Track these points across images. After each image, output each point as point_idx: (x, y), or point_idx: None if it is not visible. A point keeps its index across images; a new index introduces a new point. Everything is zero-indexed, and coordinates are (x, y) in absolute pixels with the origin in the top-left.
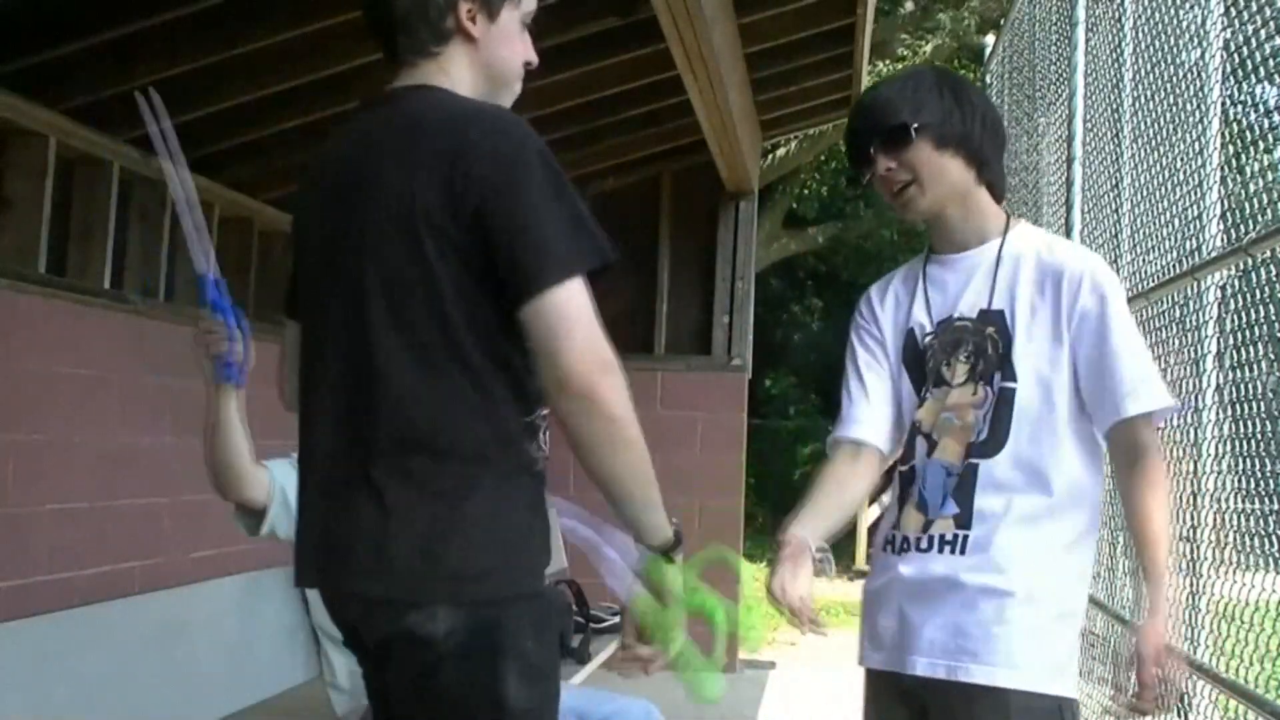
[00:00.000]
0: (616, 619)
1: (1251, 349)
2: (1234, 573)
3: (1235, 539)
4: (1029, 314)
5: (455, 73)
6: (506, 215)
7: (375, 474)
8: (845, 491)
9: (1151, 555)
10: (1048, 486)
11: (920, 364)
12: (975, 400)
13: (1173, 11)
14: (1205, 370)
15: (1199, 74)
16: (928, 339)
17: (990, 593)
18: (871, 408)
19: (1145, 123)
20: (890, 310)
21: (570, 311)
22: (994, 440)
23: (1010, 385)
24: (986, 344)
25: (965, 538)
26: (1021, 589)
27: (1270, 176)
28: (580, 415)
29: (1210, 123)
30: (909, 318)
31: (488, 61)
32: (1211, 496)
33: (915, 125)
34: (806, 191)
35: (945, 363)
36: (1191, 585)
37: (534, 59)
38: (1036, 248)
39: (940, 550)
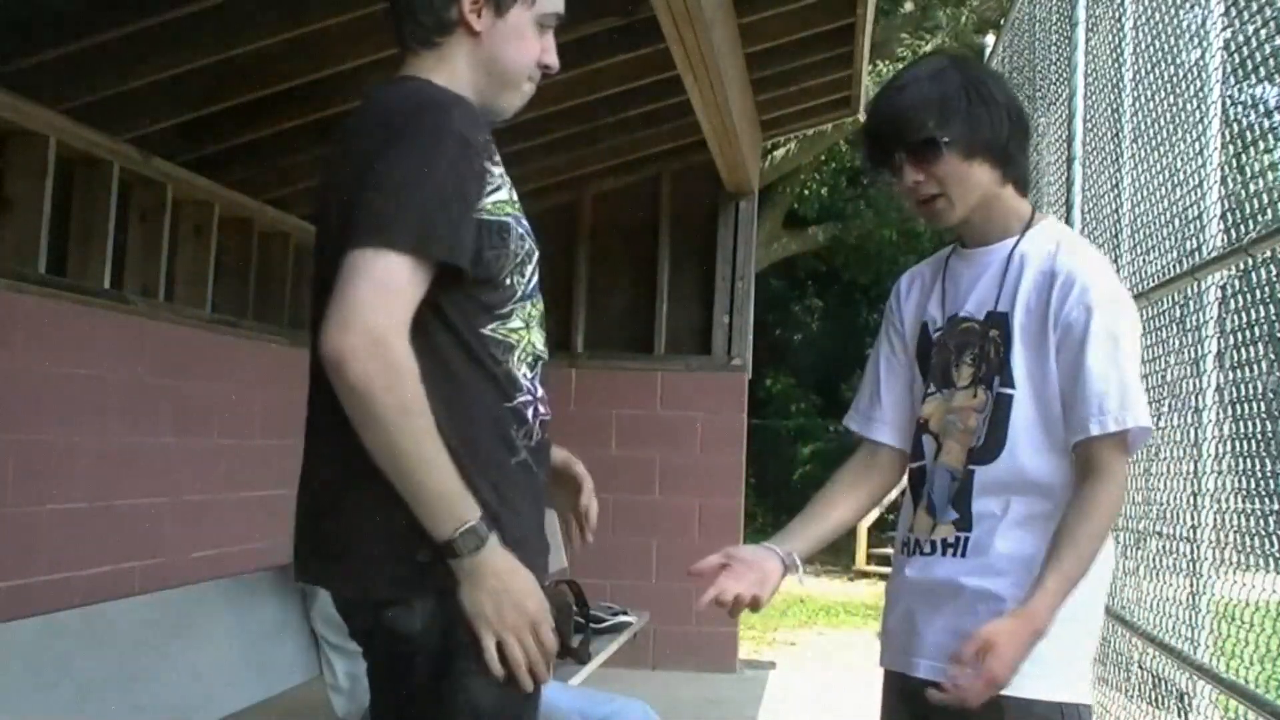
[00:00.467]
0: (617, 619)
1: (1251, 349)
2: (1234, 573)
3: (1235, 539)
4: (1026, 318)
5: (455, 66)
6: (371, 170)
7: (350, 471)
8: (848, 501)
9: (1041, 578)
10: (1045, 491)
11: (928, 357)
12: (976, 404)
13: (1173, 11)
14: (1205, 370)
15: (1199, 74)
16: (937, 334)
17: (988, 597)
18: (889, 408)
19: (1145, 123)
20: (913, 300)
21: (360, 276)
22: (991, 446)
23: (1008, 391)
24: (989, 347)
25: (966, 540)
26: (1020, 593)
27: (1270, 176)
28: (334, 382)
29: (1210, 123)
30: (925, 310)
31: (491, 57)
32: (1211, 496)
33: (945, 139)
34: (806, 191)
35: (954, 363)
36: (1191, 585)
37: (553, 62)
38: (1047, 249)
39: (943, 553)
